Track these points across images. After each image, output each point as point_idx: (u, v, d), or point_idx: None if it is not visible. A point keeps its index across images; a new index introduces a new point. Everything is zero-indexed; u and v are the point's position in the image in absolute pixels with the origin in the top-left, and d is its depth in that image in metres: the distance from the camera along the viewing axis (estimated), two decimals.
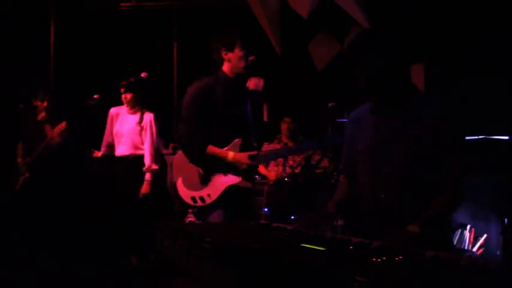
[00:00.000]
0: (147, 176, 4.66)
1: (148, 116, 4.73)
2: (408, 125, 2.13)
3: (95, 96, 4.79)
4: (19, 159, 5.20)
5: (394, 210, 2.14)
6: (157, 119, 4.79)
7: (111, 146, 4.90)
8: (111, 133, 4.88)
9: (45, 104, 5.14)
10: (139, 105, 4.74)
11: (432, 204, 2.08)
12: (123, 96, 4.70)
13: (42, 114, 5.12)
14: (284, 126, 5.26)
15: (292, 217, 4.34)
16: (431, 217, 2.07)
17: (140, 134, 4.71)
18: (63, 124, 4.97)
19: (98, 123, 5.12)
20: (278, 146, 5.24)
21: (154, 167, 4.69)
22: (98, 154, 5.01)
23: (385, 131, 2.19)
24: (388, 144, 2.17)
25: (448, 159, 2.08)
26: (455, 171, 2.09)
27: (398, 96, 2.16)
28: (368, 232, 2.13)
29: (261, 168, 5.33)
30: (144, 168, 4.65)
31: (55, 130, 5.00)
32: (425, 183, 2.12)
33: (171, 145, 6.16)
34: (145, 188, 4.64)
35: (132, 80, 4.65)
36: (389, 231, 1.98)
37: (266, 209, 4.50)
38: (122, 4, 6.61)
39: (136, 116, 4.70)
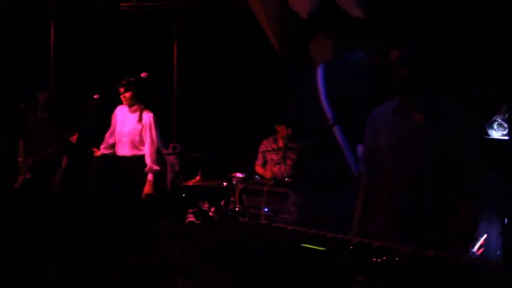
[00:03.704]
0: (150, 176, 4.65)
1: (148, 116, 4.71)
2: (429, 125, 2.15)
3: (95, 96, 4.79)
4: (20, 159, 5.20)
5: (410, 209, 2.15)
6: (157, 118, 4.77)
7: (112, 146, 4.90)
8: (113, 132, 4.88)
9: (46, 95, 5.18)
10: (138, 103, 4.73)
11: (456, 227, 2.08)
12: (122, 95, 4.70)
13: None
14: (282, 131, 5.24)
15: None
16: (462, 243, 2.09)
17: (141, 134, 4.70)
18: (75, 137, 5.06)
19: (98, 123, 5.12)
20: (275, 146, 5.24)
21: (156, 167, 4.68)
22: (98, 153, 5.01)
23: (405, 131, 2.20)
24: (408, 144, 2.18)
25: (466, 162, 2.10)
26: (472, 176, 2.11)
27: (423, 96, 2.18)
28: (383, 232, 2.15)
29: (258, 168, 5.33)
30: (146, 169, 4.64)
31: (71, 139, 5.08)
32: (442, 184, 2.13)
33: (171, 145, 6.16)
34: (148, 189, 4.64)
35: (132, 79, 4.64)
36: (404, 231, 2.00)
37: (266, 209, 4.50)
38: (122, 4, 6.61)
39: (137, 115, 4.69)
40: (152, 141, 4.67)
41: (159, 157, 4.72)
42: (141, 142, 4.70)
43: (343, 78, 4.08)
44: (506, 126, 3.95)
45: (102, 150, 4.96)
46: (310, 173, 2.60)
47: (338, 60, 4.74)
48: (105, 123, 4.97)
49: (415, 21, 4.02)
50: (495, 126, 3.96)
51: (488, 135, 4.04)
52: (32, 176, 5.14)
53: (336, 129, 3.33)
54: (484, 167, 2.16)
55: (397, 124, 2.24)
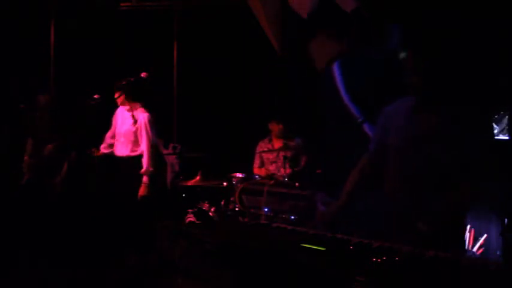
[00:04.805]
0: (144, 178, 4.61)
1: (143, 116, 4.65)
2: (444, 124, 2.14)
3: (95, 96, 4.78)
4: (26, 157, 5.20)
5: (412, 211, 2.15)
6: (153, 118, 4.70)
7: (111, 145, 4.89)
8: (114, 133, 4.87)
9: (47, 97, 5.18)
10: (133, 104, 4.68)
11: (443, 203, 2.08)
12: (117, 98, 4.69)
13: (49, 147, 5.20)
14: (274, 128, 5.27)
15: (292, 217, 4.34)
16: (441, 216, 2.08)
17: (136, 135, 4.66)
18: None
19: (98, 123, 5.12)
20: (270, 146, 5.27)
21: (150, 168, 4.62)
22: (98, 153, 5.01)
23: (415, 134, 2.19)
24: (415, 146, 2.17)
25: (477, 163, 2.09)
26: (479, 174, 2.11)
27: (442, 97, 2.18)
28: (387, 231, 2.15)
29: (256, 170, 5.35)
30: (142, 171, 4.61)
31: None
32: (446, 187, 2.12)
33: (171, 145, 6.16)
34: (142, 190, 4.61)
35: (124, 82, 4.62)
36: (405, 232, 2.00)
37: (266, 209, 4.50)
38: (122, 4, 6.61)
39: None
40: (147, 142, 4.62)
41: (154, 158, 4.67)
42: (137, 142, 4.67)
43: (364, 74, 4.09)
44: (495, 126, 3.99)
45: (102, 149, 4.96)
46: (336, 171, 2.60)
47: (355, 57, 4.80)
48: (105, 123, 4.97)
49: (416, 22, 4.02)
50: None
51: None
52: (33, 177, 5.14)
53: (366, 127, 3.29)
54: (493, 170, 2.14)
55: (409, 126, 2.23)
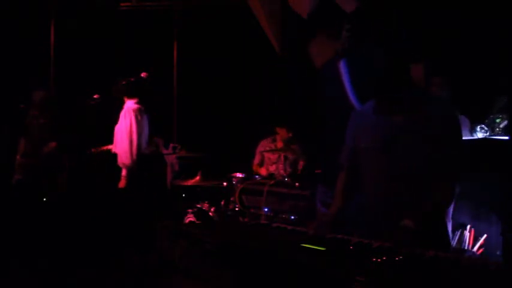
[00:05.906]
0: (123, 172, 4.58)
1: (127, 107, 4.58)
2: (411, 124, 2.14)
3: (95, 96, 4.78)
4: (18, 157, 5.19)
5: (399, 209, 2.15)
6: (142, 110, 4.61)
7: None
8: None
9: (42, 94, 5.16)
10: (129, 100, 4.66)
11: (427, 201, 2.09)
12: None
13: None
14: (282, 133, 5.27)
15: (292, 217, 4.34)
16: (426, 213, 2.08)
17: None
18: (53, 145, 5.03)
19: (98, 123, 5.12)
20: (272, 146, 5.27)
21: (126, 162, 4.55)
22: (100, 149, 4.99)
23: (388, 131, 2.19)
24: (389, 145, 2.17)
25: (448, 157, 2.09)
26: (453, 168, 2.10)
27: (403, 96, 2.17)
28: (372, 232, 2.15)
29: (255, 167, 5.35)
30: (118, 163, 4.59)
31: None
32: (428, 183, 2.12)
33: (171, 145, 6.16)
34: (121, 183, 4.58)
35: (124, 82, 4.61)
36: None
37: (266, 209, 4.50)
38: (122, 4, 6.61)
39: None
40: (131, 128, 4.53)
41: (134, 151, 4.55)
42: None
43: (368, 71, 4.10)
44: (486, 129, 4.02)
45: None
46: (336, 171, 2.58)
47: (359, 54, 4.80)
48: (105, 123, 4.97)
49: (414, 21, 4.02)
50: (478, 129, 4.04)
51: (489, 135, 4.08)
52: (26, 177, 5.11)
53: None
54: (466, 166, 2.14)
55: (379, 124, 2.23)
